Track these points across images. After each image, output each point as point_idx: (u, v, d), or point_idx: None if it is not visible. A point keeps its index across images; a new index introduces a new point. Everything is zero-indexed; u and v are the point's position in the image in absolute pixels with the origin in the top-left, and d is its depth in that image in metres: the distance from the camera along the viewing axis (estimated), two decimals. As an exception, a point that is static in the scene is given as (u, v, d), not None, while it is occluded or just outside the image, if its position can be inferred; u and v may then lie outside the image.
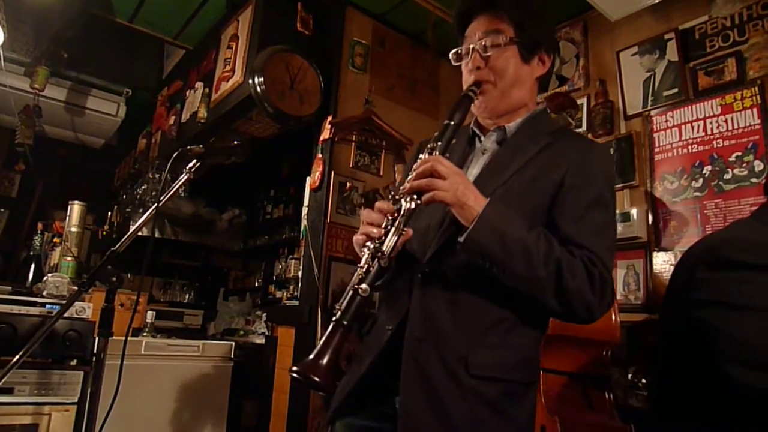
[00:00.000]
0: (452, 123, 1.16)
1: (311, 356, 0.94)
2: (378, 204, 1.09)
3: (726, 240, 1.33)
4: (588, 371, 1.97)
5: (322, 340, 0.95)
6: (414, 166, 1.10)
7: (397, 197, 1.08)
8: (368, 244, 1.04)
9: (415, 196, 1.05)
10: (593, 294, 1.05)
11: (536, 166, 1.16)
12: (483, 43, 1.22)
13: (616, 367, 2.17)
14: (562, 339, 1.90)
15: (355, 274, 1.01)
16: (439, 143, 1.13)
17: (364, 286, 0.98)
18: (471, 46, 1.24)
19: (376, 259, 1.01)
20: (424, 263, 1.15)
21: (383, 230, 1.05)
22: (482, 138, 1.30)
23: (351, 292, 0.98)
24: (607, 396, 1.97)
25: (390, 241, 1.03)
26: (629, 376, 2.27)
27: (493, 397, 1.07)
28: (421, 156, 1.13)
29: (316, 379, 0.92)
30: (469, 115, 1.25)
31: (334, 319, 0.97)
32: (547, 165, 1.16)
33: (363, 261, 1.01)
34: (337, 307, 0.98)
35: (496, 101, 1.24)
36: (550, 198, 1.14)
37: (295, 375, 0.93)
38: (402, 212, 1.04)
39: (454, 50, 1.30)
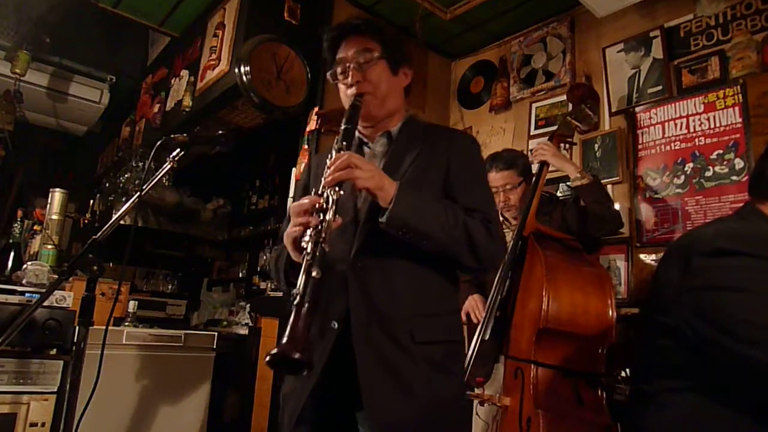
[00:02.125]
0: (350, 127, 1.32)
1: (284, 339, 0.98)
2: (304, 199, 1.19)
3: (720, 232, 1.38)
4: (581, 368, 1.97)
5: (290, 324, 1.00)
6: (328, 164, 1.21)
7: (319, 192, 1.18)
8: (308, 232, 1.13)
9: (337, 188, 1.17)
10: (494, 245, 1.32)
11: (424, 159, 1.39)
12: (358, 60, 1.40)
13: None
14: (555, 333, 1.90)
15: (304, 262, 1.09)
16: (345, 143, 1.28)
17: (315, 269, 1.06)
18: (348, 64, 1.41)
19: (319, 245, 1.10)
20: (352, 258, 1.28)
21: (318, 219, 1.14)
22: (370, 144, 1.48)
23: (305, 277, 1.06)
24: (599, 393, 1.97)
25: (328, 224, 1.13)
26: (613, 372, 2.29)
27: (438, 357, 1.27)
28: (331, 156, 1.24)
29: (296, 355, 0.95)
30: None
31: (294, 303, 1.03)
32: (432, 156, 1.40)
33: (309, 248, 1.10)
34: (295, 292, 1.05)
35: (377, 109, 1.42)
36: (442, 180, 1.37)
37: (272, 358, 0.96)
38: (330, 202, 1.15)
39: (330, 71, 1.47)
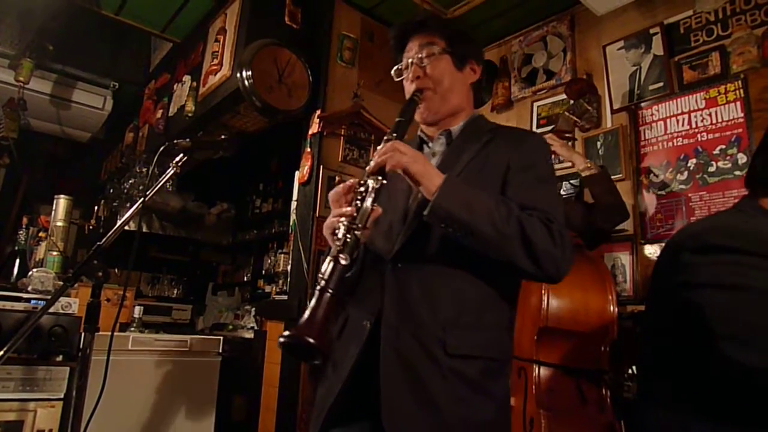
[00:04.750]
0: (403, 119, 1.27)
1: (301, 320, 0.92)
2: (341, 185, 1.16)
3: (710, 227, 1.36)
4: (583, 366, 1.96)
5: (310, 306, 0.94)
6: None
7: (362, 181, 1.13)
8: (342, 219, 1.07)
9: (380, 177, 1.11)
10: (556, 247, 1.12)
11: (483, 158, 1.28)
12: (420, 55, 1.35)
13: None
14: (556, 332, 1.90)
15: (333, 247, 1.04)
16: (394, 135, 1.21)
17: (344, 254, 1.00)
18: (409, 60, 1.36)
19: (352, 231, 1.04)
20: (393, 256, 1.20)
21: (354, 207, 1.08)
22: (430, 143, 1.40)
23: (332, 262, 1.00)
24: (603, 391, 1.96)
25: (363, 212, 1.06)
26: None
27: (473, 375, 1.13)
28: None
29: (311, 339, 0.89)
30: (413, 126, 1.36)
31: (318, 287, 0.98)
32: (493, 155, 1.28)
33: (340, 234, 1.04)
34: (320, 276, 0.99)
35: (438, 105, 1.35)
36: (500, 181, 1.24)
37: (286, 340, 0.91)
38: (369, 189, 1.09)
39: (395, 67, 1.41)
